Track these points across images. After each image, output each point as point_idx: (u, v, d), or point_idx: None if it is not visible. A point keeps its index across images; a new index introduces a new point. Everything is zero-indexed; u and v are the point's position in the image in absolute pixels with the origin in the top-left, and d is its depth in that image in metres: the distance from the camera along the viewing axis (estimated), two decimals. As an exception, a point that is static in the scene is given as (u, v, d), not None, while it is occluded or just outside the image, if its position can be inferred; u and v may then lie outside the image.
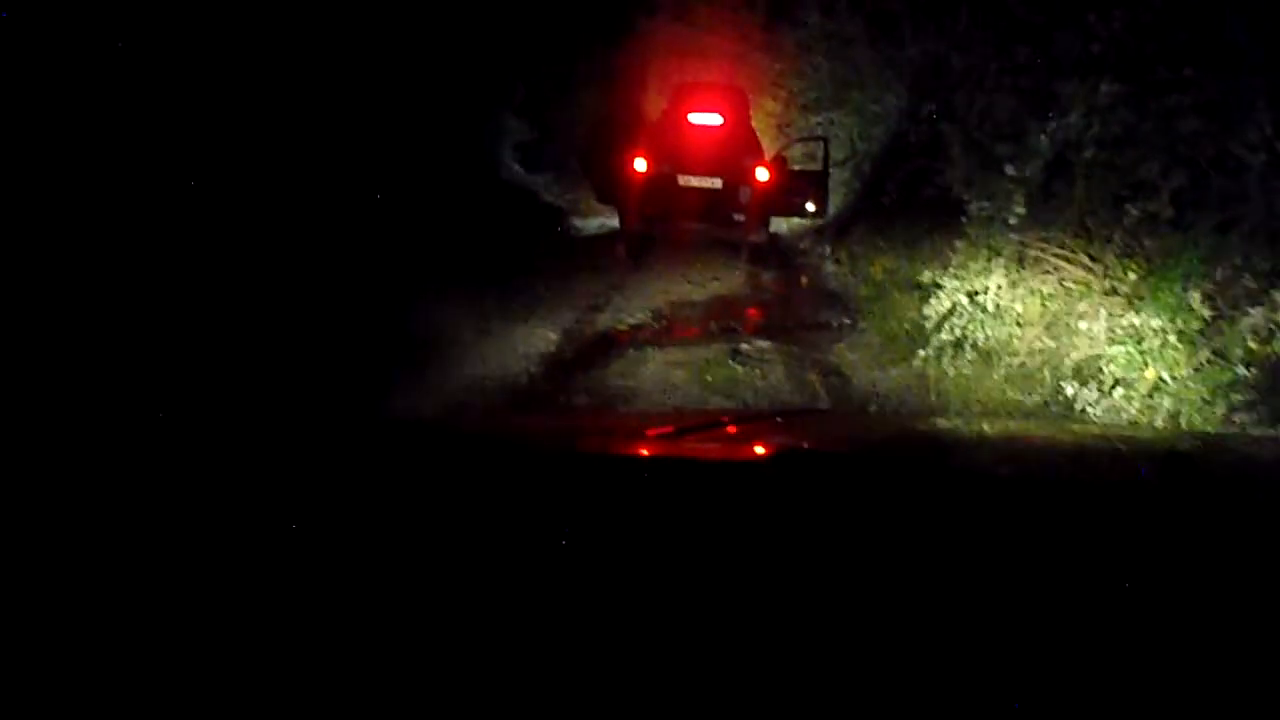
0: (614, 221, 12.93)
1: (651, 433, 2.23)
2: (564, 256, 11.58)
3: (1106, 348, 5.13)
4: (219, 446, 1.71)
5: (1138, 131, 5.32)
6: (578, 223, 14.93)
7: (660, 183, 11.60)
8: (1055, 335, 5.73)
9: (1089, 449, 2.43)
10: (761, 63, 17.51)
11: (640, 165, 11.70)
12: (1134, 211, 5.26)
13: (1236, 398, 4.61)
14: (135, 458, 1.59)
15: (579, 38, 16.58)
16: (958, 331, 6.49)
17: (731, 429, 2.23)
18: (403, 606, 1.18)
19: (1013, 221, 5.91)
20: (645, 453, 2.00)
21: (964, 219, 6.57)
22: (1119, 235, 5.43)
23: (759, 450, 2.12)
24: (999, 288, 6.25)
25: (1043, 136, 5.66)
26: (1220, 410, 4.54)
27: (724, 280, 10.66)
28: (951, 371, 6.40)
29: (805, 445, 2.20)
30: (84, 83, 5.85)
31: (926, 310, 6.93)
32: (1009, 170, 5.82)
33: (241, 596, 1.18)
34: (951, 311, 6.62)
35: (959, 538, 1.35)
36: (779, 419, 2.55)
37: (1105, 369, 5.04)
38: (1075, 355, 5.37)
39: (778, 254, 12.54)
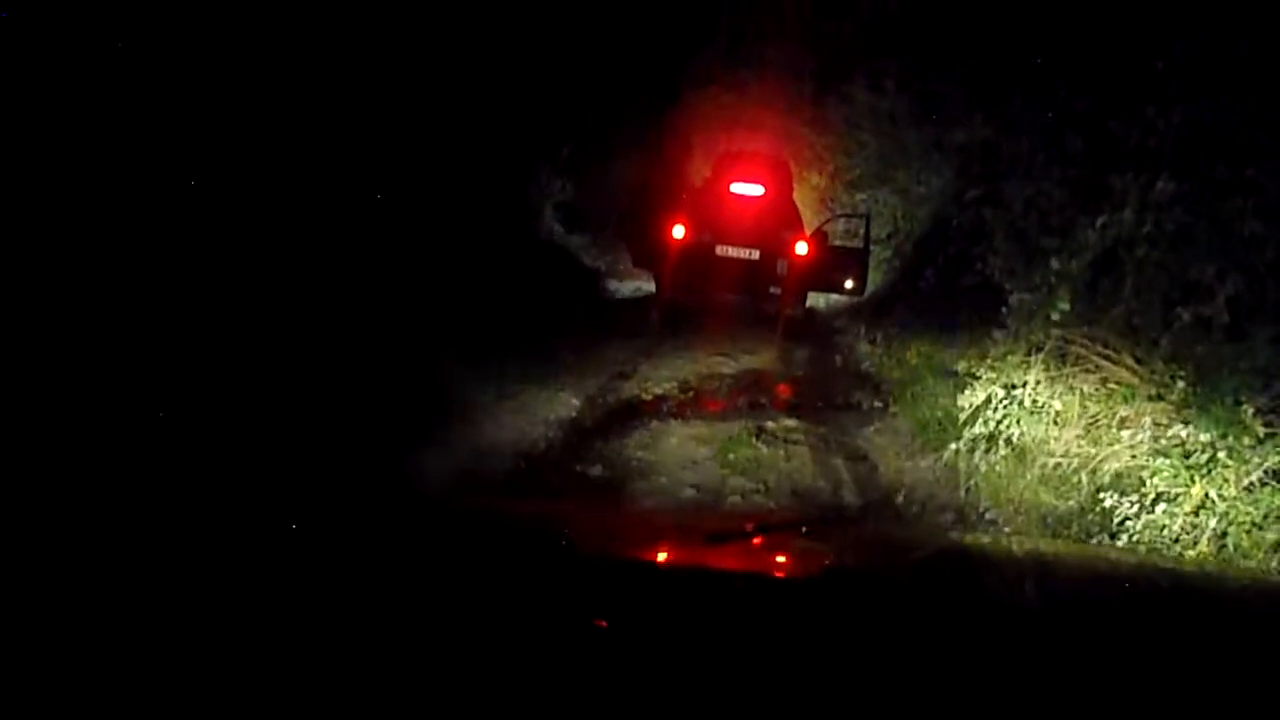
0: (650, 287, 12.85)
1: (676, 540, 2.20)
2: (596, 320, 11.47)
3: (1149, 459, 4.85)
4: (221, 520, 1.71)
5: (1194, 232, 5.07)
6: (613, 286, 14.87)
7: (698, 251, 11.51)
8: (1094, 439, 5.45)
9: (1125, 577, 2.29)
10: (807, 137, 17.55)
11: (678, 232, 11.63)
12: (1186, 315, 5.00)
13: (1291, 523, 4.32)
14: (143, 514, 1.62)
15: (628, 102, 16.66)
16: (992, 425, 6.23)
17: (757, 540, 2.16)
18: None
19: (1055, 316, 5.66)
20: (669, 560, 1.98)
21: (1005, 309, 6.34)
22: (1168, 339, 5.16)
23: (784, 564, 2.07)
24: (1038, 383, 6.00)
25: (1092, 231, 5.43)
26: (1272, 536, 4.23)
27: (756, 354, 10.49)
28: (983, 467, 6.13)
29: (828, 563, 2.15)
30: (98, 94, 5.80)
31: (961, 400, 6.69)
32: (1054, 263, 5.58)
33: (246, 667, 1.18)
34: (987, 403, 6.37)
35: (985, 671, 1.32)
36: (804, 529, 2.51)
37: (1147, 481, 4.75)
38: (1115, 463, 5.08)
39: (813, 330, 12.37)
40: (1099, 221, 5.38)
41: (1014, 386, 6.18)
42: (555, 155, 15.60)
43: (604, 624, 1.36)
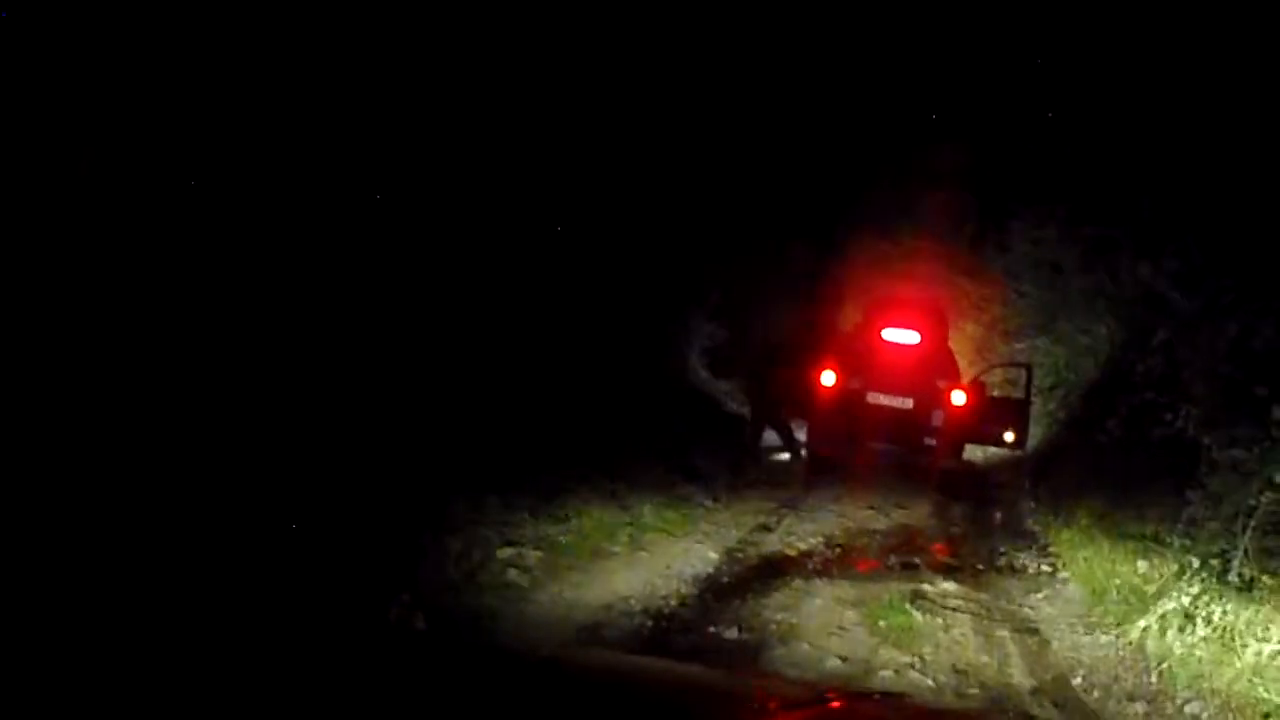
0: (798, 435, 12.37)
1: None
2: (738, 467, 11.02)
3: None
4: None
5: None
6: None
7: (848, 399, 11.08)
8: (1325, 626, 4.62)
9: None
10: (964, 285, 17.07)
11: (828, 379, 11.21)
12: None
13: None
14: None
15: (782, 248, 16.44)
16: (1187, 600, 5.44)
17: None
18: None
19: (1277, 478, 4.89)
20: None
21: (1203, 466, 5.59)
22: None
23: None
24: (1247, 553, 5.19)
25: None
26: None
27: (909, 509, 9.88)
28: (1178, 649, 5.33)
29: None
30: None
31: (1144, 568, 5.89)
32: (1276, 413, 4.84)
33: None
34: (1179, 574, 5.59)
35: None
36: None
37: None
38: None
39: (970, 484, 11.59)
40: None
41: (1215, 556, 5.38)
42: (704, 298, 15.45)
43: None
